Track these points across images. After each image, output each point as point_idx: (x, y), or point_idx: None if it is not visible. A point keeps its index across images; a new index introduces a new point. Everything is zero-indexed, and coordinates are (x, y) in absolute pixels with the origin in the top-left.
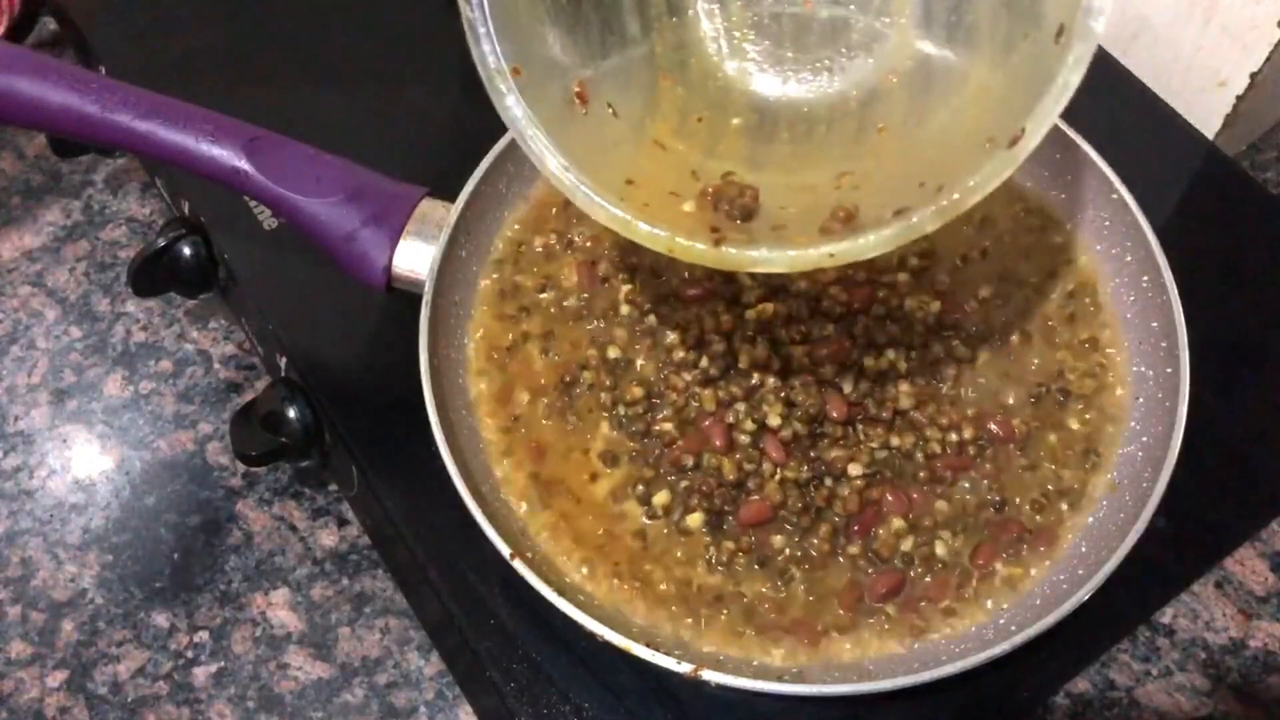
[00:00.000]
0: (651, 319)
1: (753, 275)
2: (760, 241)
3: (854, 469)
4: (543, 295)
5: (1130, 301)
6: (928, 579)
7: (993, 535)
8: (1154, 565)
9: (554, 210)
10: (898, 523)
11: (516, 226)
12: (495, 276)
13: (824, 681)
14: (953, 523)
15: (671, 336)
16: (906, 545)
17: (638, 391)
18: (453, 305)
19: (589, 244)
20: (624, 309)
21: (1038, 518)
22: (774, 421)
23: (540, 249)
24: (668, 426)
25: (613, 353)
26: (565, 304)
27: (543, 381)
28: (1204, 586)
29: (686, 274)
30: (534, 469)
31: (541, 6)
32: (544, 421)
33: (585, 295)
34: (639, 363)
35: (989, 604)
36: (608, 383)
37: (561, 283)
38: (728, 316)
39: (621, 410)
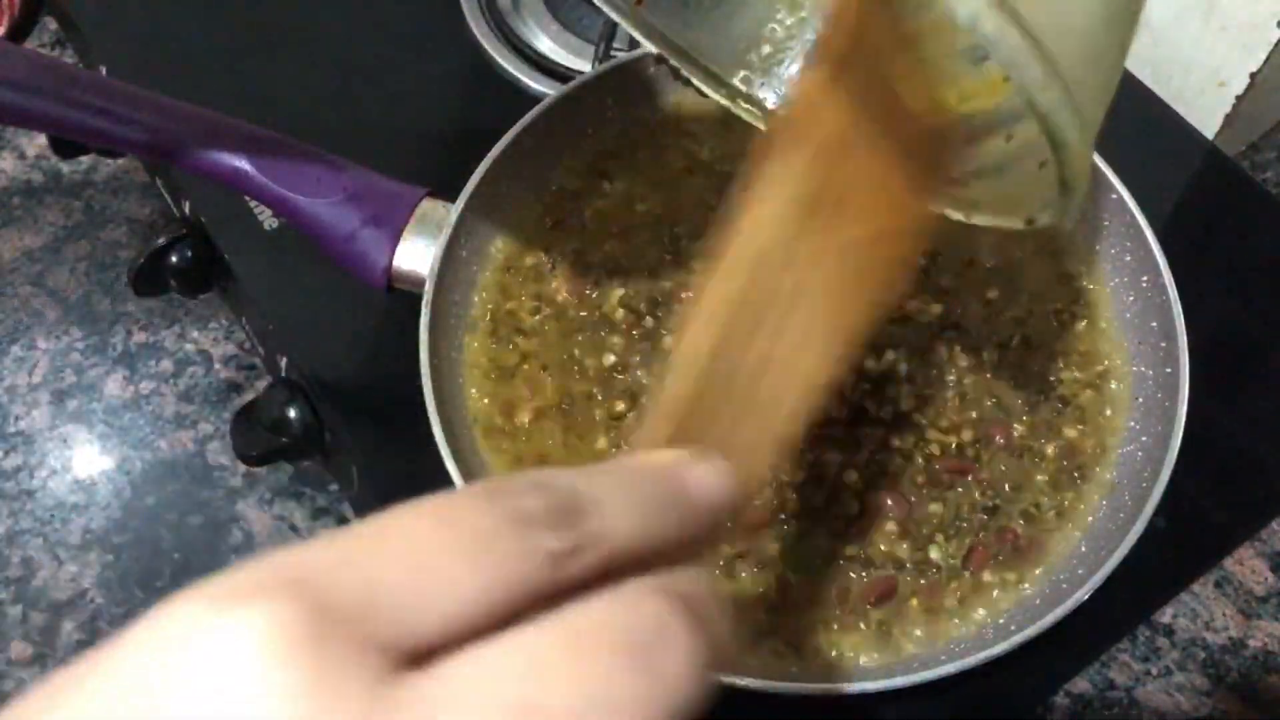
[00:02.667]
0: (649, 321)
1: None
2: None
3: (851, 475)
4: (536, 317)
5: (1130, 301)
6: (922, 582)
7: (985, 540)
8: (1154, 565)
9: (541, 226)
10: (893, 526)
11: (500, 255)
12: (486, 304)
13: (824, 681)
14: (946, 527)
15: (669, 340)
16: (902, 549)
17: (619, 406)
18: (453, 305)
19: (571, 256)
20: (619, 313)
21: (1030, 525)
22: None
23: (531, 265)
24: None
25: (609, 359)
26: (560, 320)
27: (543, 402)
28: (1204, 586)
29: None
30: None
31: None
32: (547, 441)
33: (580, 309)
34: (636, 369)
35: (988, 604)
36: (600, 396)
37: (555, 299)
38: None
39: (615, 423)
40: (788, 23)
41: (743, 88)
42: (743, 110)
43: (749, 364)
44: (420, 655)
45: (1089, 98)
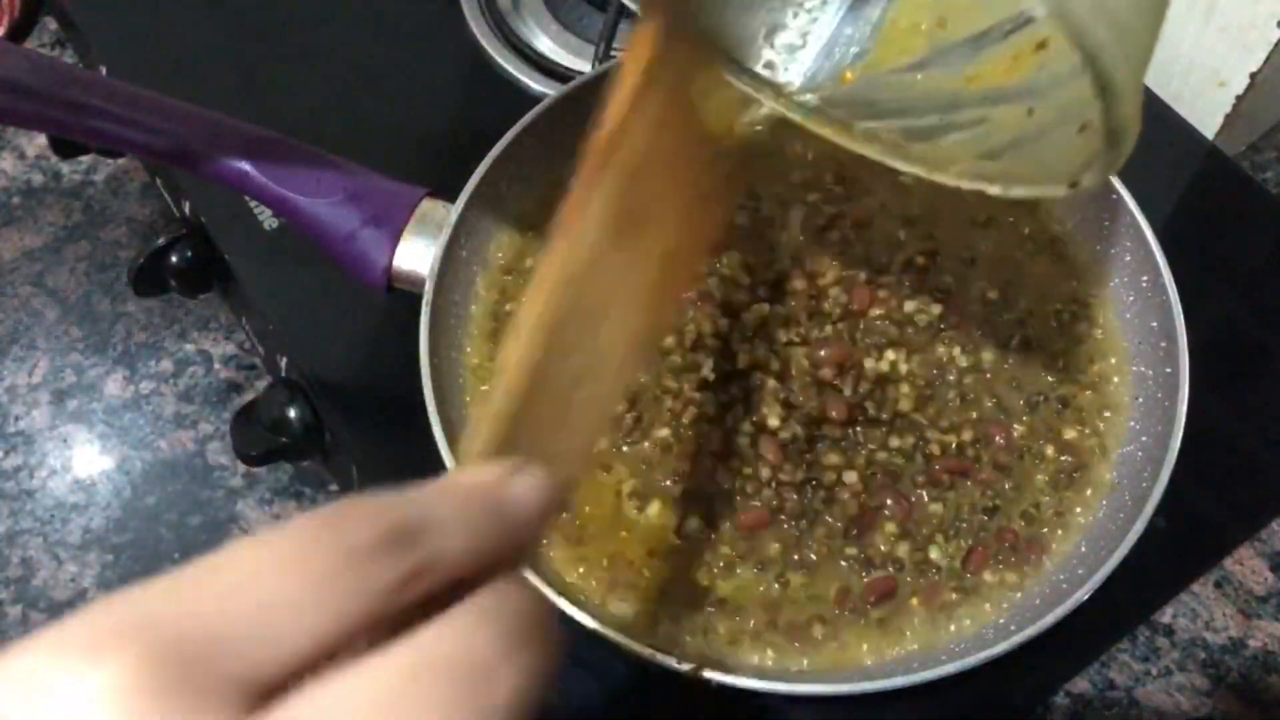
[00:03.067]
0: None
1: (750, 275)
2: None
3: (850, 475)
4: None
5: (1130, 301)
6: (922, 582)
7: (985, 541)
8: (1154, 565)
9: (541, 227)
10: (892, 527)
11: (500, 256)
12: (486, 304)
13: (824, 681)
14: (946, 527)
15: (668, 339)
16: (902, 550)
17: (616, 408)
18: (453, 305)
19: None
20: None
21: (1030, 525)
22: (773, 423)
23: (530, 267)
24: (664, 433)
25: None
26: None
27: None
28: (1204, 586)
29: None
30: None
31: None
32: None
33: None
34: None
35: (988, 605)
36: None
37: None
38: (725, 320)
39: (612, 425)
40: (808, 6)
41: (765, 74)
42: (769, 99)
43: (568, 372)
44: (269, 692)
45: (1135, 41)
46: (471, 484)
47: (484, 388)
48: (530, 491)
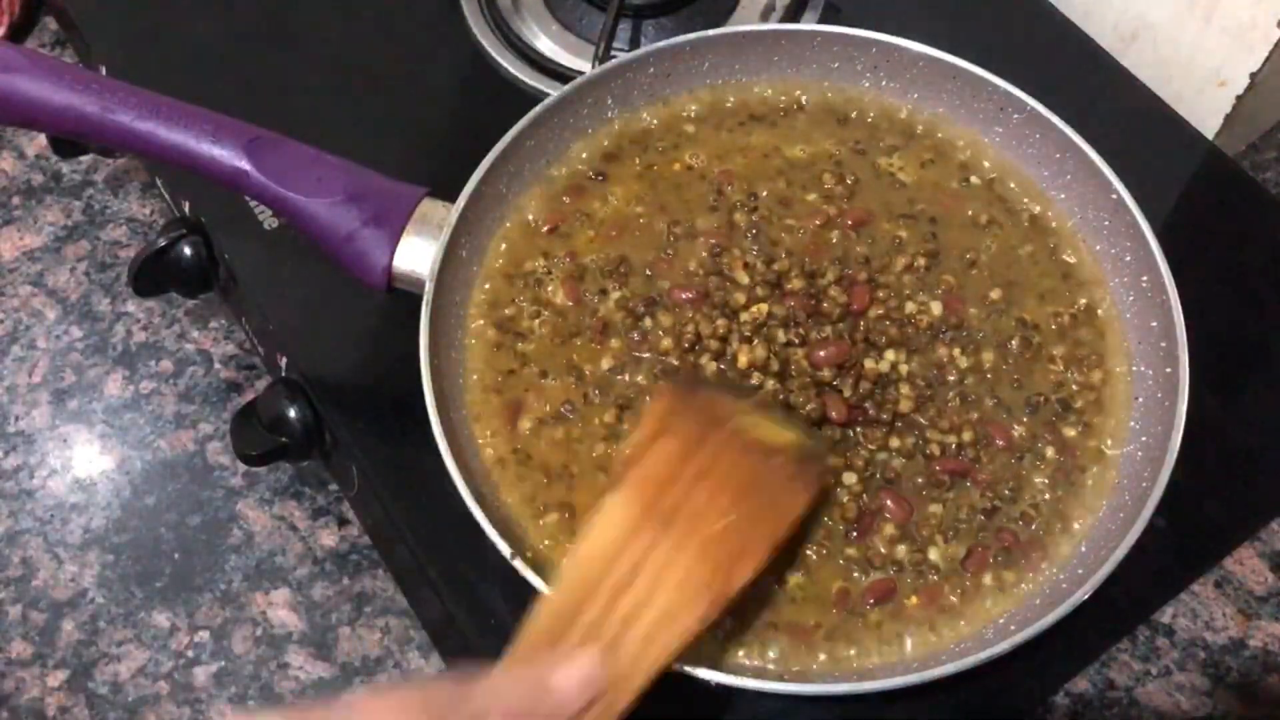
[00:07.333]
0: (647, 322)
1: (750, 275)
2: None
3: (850, 476)
4: (535, 320)
5: (1130, 301)
6: (922, 582)
7: (984, 541)
8: (1154, 565)
9: (540, 227)
10: (892, 528)
11: (499, 256)
12: (485, 306)
13: (824, 681)
14: (946, 528)
15: (666, 341)
16: (901, 551)
17: (609, 416)
18: (453, 305)
19: (569, 259)
20: (617, 315)
21: (1029, 526)
22: None
23: (529, 270)
24: None
25: (606, 363)
26: (558, 324)
27: (542, 406)
28: (1204, 586)
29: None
30: (536, 484)
31: None
32: (546, 444)
33: (578, 312)
34: (634, 372)
35: (987, 605)
36: (597, 400)
37: (553, 301)
38: (724, 320)
39: (608, 430)
40: None
41: None
42: None
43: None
44: None
45: None
46: (518, 675)
47: (482, 410)
48: (569, 680)
